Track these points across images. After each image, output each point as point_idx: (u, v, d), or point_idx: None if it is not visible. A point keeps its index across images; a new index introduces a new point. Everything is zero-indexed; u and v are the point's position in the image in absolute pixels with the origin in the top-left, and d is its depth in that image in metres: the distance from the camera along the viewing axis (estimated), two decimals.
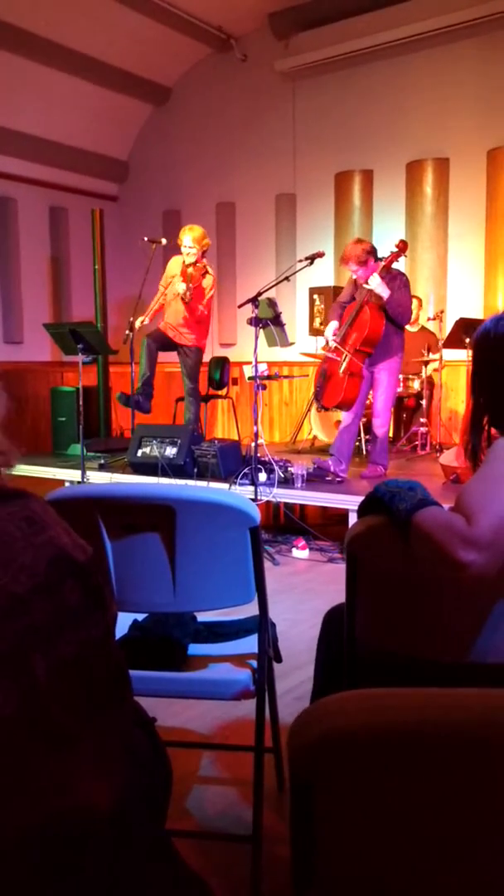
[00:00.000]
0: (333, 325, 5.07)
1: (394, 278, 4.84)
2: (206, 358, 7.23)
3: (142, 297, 6.20)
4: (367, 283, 4.79)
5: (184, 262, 5.72)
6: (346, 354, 4.82)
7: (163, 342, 6.00)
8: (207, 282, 5.76)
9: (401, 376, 6.44)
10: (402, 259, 4.93)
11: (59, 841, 0.79)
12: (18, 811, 0.77)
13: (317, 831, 0.77)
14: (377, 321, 4.77)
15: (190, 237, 5.67)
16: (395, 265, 4.90)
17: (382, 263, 4.83)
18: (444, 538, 1.24)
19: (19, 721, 0.76)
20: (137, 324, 5.92)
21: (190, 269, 5.67)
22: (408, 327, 6.72)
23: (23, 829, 0.77)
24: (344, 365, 4.84)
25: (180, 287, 5.62)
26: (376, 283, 4.74)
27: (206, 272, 5.77)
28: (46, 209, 9.07)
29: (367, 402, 5.29)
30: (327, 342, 5.05)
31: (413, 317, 6.67)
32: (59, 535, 0.86)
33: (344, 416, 5.13)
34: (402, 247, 4.89)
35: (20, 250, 8.71)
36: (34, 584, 0.80)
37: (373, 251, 4.92)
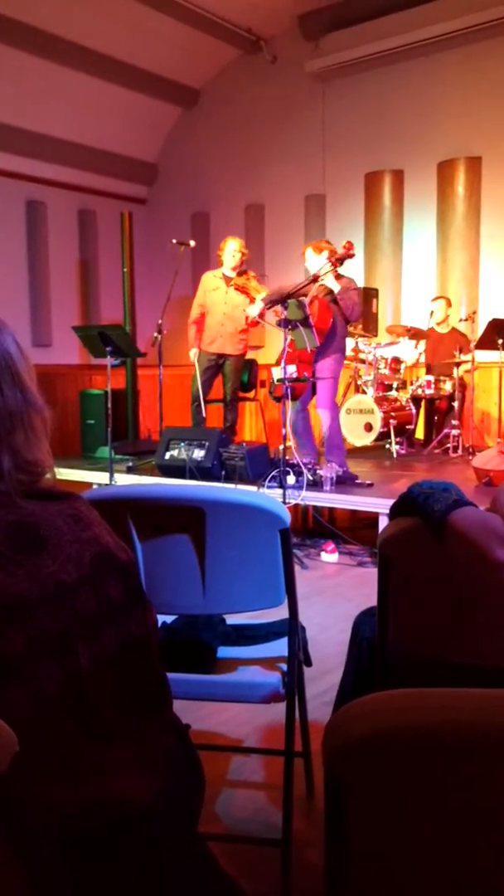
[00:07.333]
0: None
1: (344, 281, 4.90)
2: None
3: (170, 300, 6.21)
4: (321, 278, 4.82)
5: (236, 273, 5.76)
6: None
7: (209, 364, 6.00)
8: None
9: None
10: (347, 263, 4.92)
11: (94, 828, 0.80)
12: (55, 791, 0.79)
13: (351, 833, 0.75)
14: (325, 313, 4.82)
15: (236, 244, 5.80)
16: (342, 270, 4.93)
17: (335, 257, 4.85)
18: (480, 538, 1.21)
19: (61, 702, 0.79)
20: (192, 355, 5.94)
21: (253, 283, 5.71)
22: (437, 328, 6.68)
23: (59, 808, 0.79)
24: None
25: (253, 310, 5.62)
26: (330, 280, 4.81)
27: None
28: (75, 212, 9.16)
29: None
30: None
31: (441, 317, 6.63)
32: (103, 534, 0.90)
33: (290, 415, 5.11)
34: (349, 246, 4.87)
35: (49, 253, 8.80)
36: (80, 574, 0.84)
37: (332, 252, 4.92)
